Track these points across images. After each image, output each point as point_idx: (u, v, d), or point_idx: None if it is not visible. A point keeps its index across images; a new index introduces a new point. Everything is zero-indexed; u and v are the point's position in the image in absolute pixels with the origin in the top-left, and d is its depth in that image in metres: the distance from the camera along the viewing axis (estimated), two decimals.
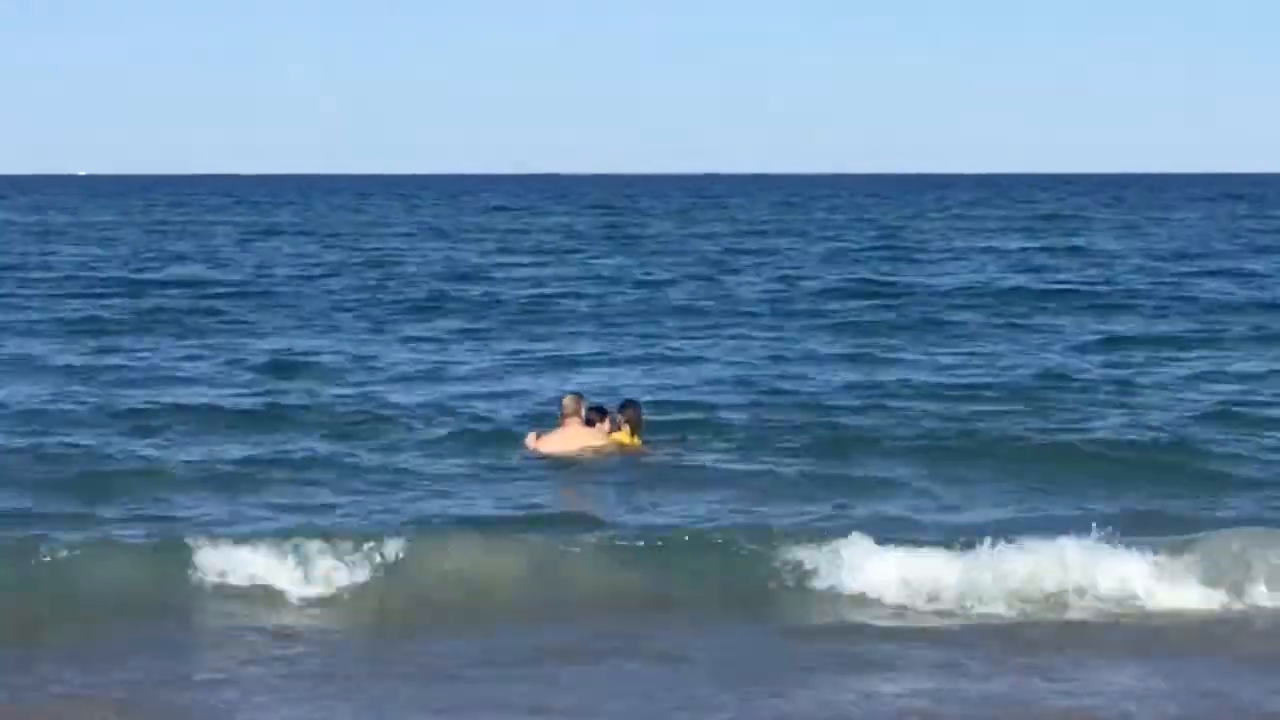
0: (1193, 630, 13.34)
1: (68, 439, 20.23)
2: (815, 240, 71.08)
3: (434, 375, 26.79)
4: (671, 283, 46.28)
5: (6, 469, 18.48)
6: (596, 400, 20.45)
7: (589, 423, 19.47)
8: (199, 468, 18.62)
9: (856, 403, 23.23)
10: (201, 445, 20.02)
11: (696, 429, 21.00)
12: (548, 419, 20.43)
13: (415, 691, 11.90)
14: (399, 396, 24.10)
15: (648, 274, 49.64)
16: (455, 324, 34.92)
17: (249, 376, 26.29)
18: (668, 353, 29.79)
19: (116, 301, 39.54)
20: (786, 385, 25.20)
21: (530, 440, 19.69)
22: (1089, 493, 17.52)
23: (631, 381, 25.68)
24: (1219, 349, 29.79)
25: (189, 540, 14.41)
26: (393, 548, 14.28)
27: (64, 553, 14.23)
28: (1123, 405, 23.00)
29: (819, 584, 14.17)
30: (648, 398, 22.23)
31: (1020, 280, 45.94)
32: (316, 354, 29.15)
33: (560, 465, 18.93)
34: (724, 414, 22.23)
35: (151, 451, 19.61)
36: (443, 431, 20.96)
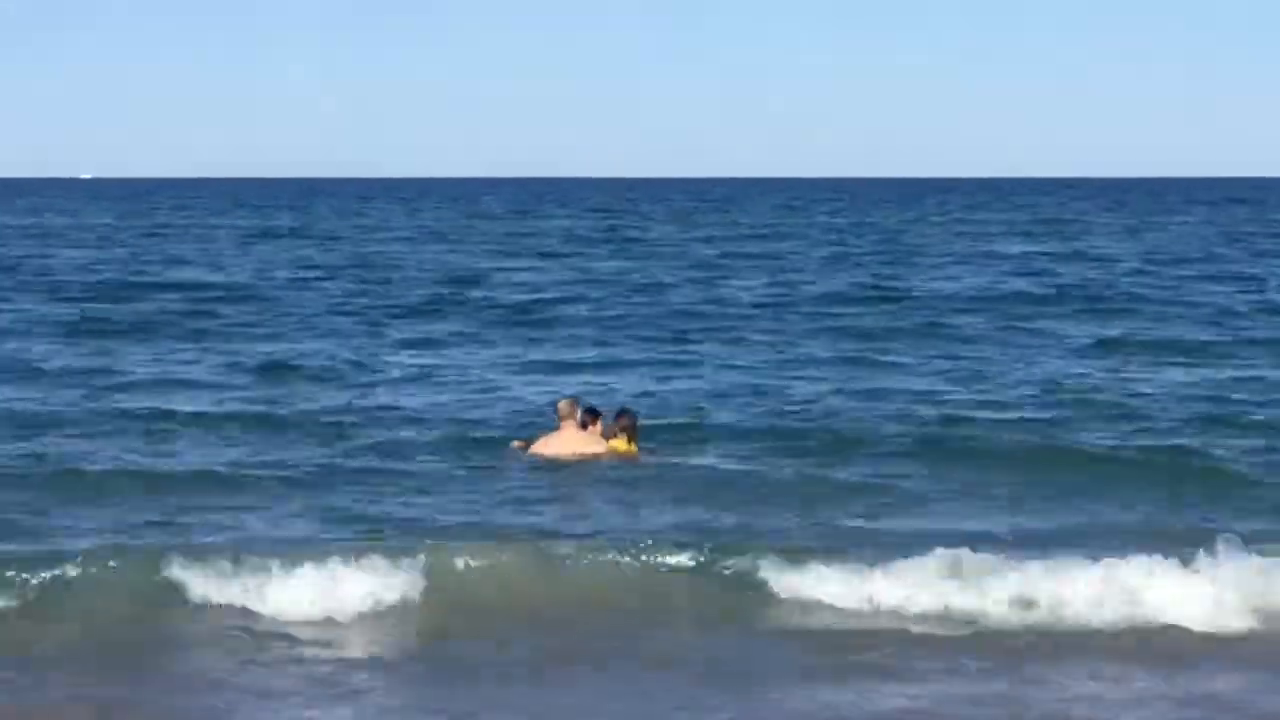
0: (1194, 641, 13.26)
1: (62, 445, 20.13)
2: (816, 244, 71.00)
3: (430, 379, 26.69)
4: (670, 286, 46.19)
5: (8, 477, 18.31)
6: (594, 404, 20.38)
7: (583, 425, 19.45)
8: (197, 475, 18.46)
9: (855, 407, 23.17)
10: (198, 451, 19.90)
11: (693, 435, 20.94)
12: (543, 424, 20.40)
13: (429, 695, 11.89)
14: (395, 400, 24.03)
15: (647, 278, 49.55)
16: (452, 327, 34.85)
17: (245, 381, 26.17)
18: (666, 357, 29.71)
19: (105, 305, 39.38)
20: (785, 390, 25.12)
21: (516, 445, 19.72)
22: (1090, 500, 17.43)
23: (628, 386, 25.62)
24: (1218, 355, 29.71)
25: (185, 555, 14.21)
26: (401, 559, 14.14)
27: (74, 568, 14.08)
28: (1122, 411, 22.91)
29: (814, 592, 14.04)
30: (645, 403, 22.16)
31: (1021, 285, 45.86)
32: (312, 357, 29.07)
33: (556, 470, 18.84)
34: (722, 419, 22.17)
35: (147, 459, 19.46)
36: (437, 436, 20.89)
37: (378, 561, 14.04)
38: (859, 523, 16.26)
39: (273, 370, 27.34)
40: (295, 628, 13.33)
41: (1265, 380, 26.08)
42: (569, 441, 19.29)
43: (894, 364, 28.44)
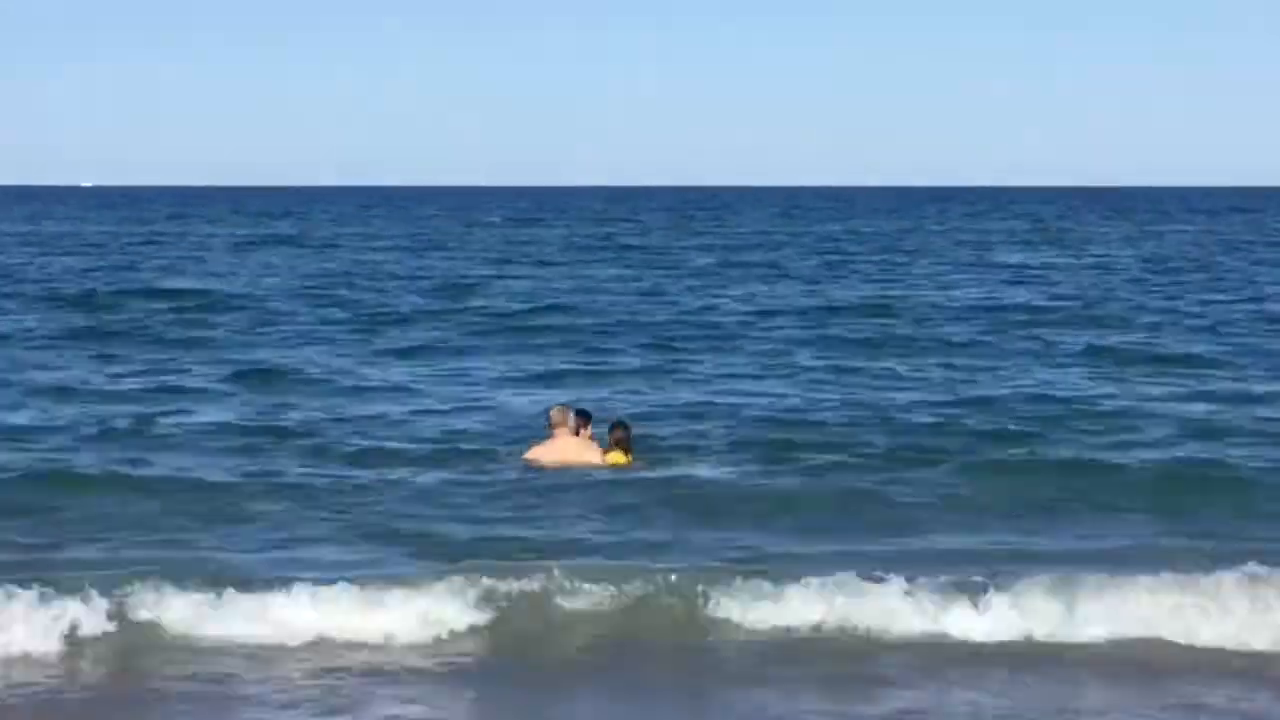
0: (1200, 656, 13.13)
1: (55, 457, 19.96)
2: (813, 252, 70.99)
3: (421, 388, 26.57)
4: (666, 294, 46.14)
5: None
6: (585, 409, 20.36)
7: (575, 431, 19.52)
8: (189, 489, 18.16)
9: (848, 417, 23.08)
10: (188, 465, 19.62)
11: (685, 445, 20.90)
12: (533, 432, 20.34)
13: None
14: (388, 410, 23.92)
15: (642, 286, 49.51)
16: (445, 336, 34.74)
17: (236, 392, 25.96)
18: (659, 366, 29.62)
19: (91, 313, 39.25)
20: (782, 401, 25.01)
21: (502, 454, 19.72)
22: (1091, 515, 17.27)
23: (620, 395, 25.55)
24: (1218, 365, 29.58)
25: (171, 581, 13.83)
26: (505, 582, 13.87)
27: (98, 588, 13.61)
28: (1120, 424, 22.78)
29: (803, 611, 13.75)
30: (637, 412, 22.02)
31: (1020, 295, 45.72)
32: (303, 368, 28.93)
33: (550, 479, 18.78)
34: (715, 429, 22.11)
35: (139, 470, 19.23)
36: (431, 446, 20.81)
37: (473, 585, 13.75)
38: (854, 541, 16.04)
39: (258, 377, 27.23)
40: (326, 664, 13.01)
41: (1254, 393, 25.87)
42: (564, 449, 19.34)
43: (889, 375, 28.30)
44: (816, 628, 13.54)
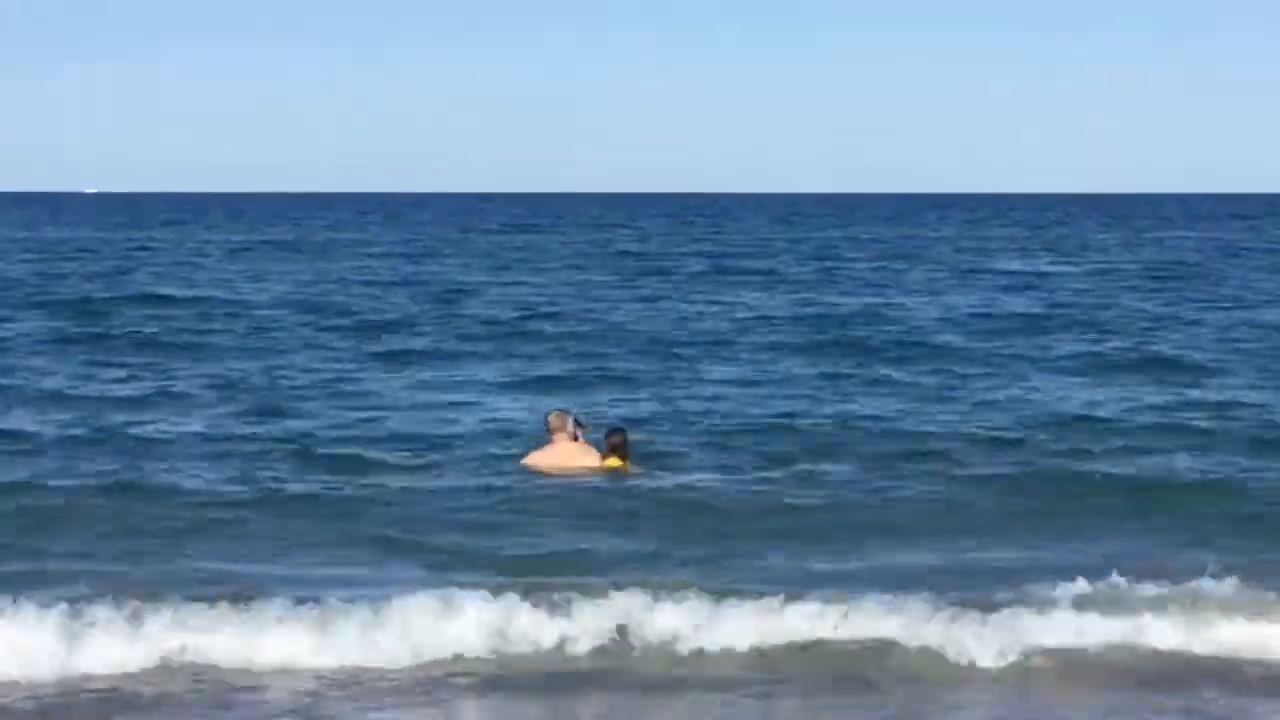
0: (1207, 668, 12.98)
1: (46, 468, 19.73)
2: (810, 259, 70.98)
3: (415, 395, 26.41)
4: (661, 300, 46.06)
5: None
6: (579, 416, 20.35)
7: (573, 437, 19.63)
8: (190, 502, 17.88)
9: (841, 427, 22.91)
10: (187, 476, 19.31)
11: (679, 452, 20.86)
12: (529, 437, 20.35)
13: None
14: (382, 418, 23.77)
15: (640, 292, 49.41)
16: (439, 343, 34.59)
17: (227, 402, 25.68)
18: (654, 372, 29.49)
19: (84, 319, 39.02)
20: (778, 409, 24.83)
21: (500, 459, 19.87)
22: (1086, 524, 17.12)
23: (616, 401, 25.48)
24: (1217, 372, 29.43)
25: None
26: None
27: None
28: (1116, 432, 22.61)
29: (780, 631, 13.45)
30: (632, 419, 21.97)
31: (1017, 303, 45.58)
32: (297, 376, 28.76)
33: (551, 484, 18.77)
34: (716, 437, 22.09)
35: (134, 476, 19.05)
36: (426, 455, 20.65)
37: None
38: (850, 559, 15.82)
39: (256, 383, 27.11)
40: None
41: (1251, 401, 25.68)
42: (563, 454, 19.48)
43: (889, 381, 28.19)
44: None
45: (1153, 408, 25.05)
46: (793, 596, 13.60)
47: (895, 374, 29.29)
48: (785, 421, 23.40)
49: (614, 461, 19.52)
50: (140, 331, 36.24)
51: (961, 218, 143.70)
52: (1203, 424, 23.22)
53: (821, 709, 12.25)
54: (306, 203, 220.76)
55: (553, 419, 19.83)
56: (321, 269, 61.65)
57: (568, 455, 19.49)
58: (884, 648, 13.18)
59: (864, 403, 25.56)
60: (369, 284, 53.17)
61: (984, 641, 13.07)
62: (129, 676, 12.46)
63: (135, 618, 12.87)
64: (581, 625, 13.18)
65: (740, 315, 41.64)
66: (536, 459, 19.59)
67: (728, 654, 13.09)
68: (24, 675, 12.33)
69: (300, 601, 13.33)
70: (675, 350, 33.22)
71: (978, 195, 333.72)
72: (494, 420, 23.62)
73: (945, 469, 19.77)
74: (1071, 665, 12.96)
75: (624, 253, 76.21)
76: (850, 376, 28.82)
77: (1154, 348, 33.87)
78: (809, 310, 43.33)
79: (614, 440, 19.72)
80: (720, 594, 13.58)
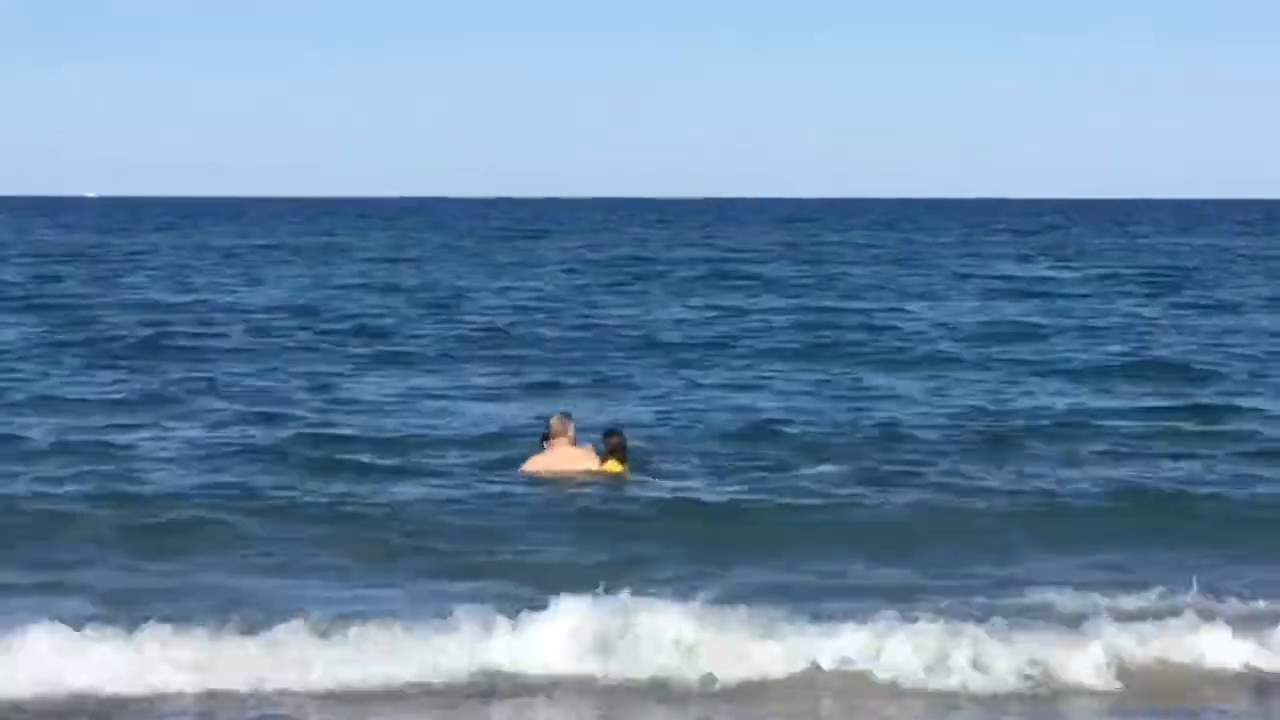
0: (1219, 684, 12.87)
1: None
2: (809, 264, 70.97)
3: (409, 401, 26.36)
4: (656, 305, 46.01)
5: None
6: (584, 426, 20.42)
7: (573, 440, 19.67)
8: (184, 508, 17.74)
9: (839, 433, 22.88)
10: (187, 483, 19.20)
11: (674, 457, 20.82)
12: (530, 441, 20.30)
13: None
14: (379, 425, 23.67)
15: (638, 298, 49.32)
16: (433, 348, 34.45)
17: (220, 408, 25.54)
18: (650, 376, 29.41)
19: (77, 325, 38.89)
20: (776, 416, 24.71)
21: (499, 464, 19.92)
22: (1082, 534, 17.01)
23: (618, 403, 25.52)
24: (1216, 379, 29.31)
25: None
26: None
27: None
28: (1113, 439, 22.52)
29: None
30: (625, 422, 21.92)
31: (1014, 310, 45.53)
32: (293, 381, 28.66)
33: (550, 490, 18.79)
34: (709, 441, 22.11)
35: (132, 488, 18.88)
36: (424, 460, 20.61)
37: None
38: (848, 571, 15.73)
39: (253, 387, 27.02)
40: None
41: (1250, 408, 25.59)
42: (563, 458, 19.51)
43: (886, 387, 28.13)
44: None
45: (1150, 410, 25.07)
46: (789, 609, 13.48)
47: (892, 380, 29.24)
48: (777, 427, 23.32)
49: (613, 465, 19.53)
50: (135, 336, 36.17)
51: (960, 222, 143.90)
52: (1199, 429, 23.21)
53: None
54: (308, 207, 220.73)
55: (555, 423, 19.83)
56: (320, 274, 61.64)
57: (567, 459, 19.53)
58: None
59: (861, 408, 25.48)
60: (366, 289, 53.15)
61: (991, 658, 12.82)
62: (126, 688, 12.25)
63: (131, 629, 12.70)
64: (575, 633, 12.97)
65: (738, 319, 41.62)
66: (536, 464, 19.60)
67: (725, 665, 12.95)
68: (18, 689, 12.12)
69: (298, 612, 13.15)
70: (676, 354, 33.17)
71: (977, 200, 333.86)
72: (490, 424, 23.54)
73: (942, 476, 19.70)
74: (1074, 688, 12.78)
75: (623, 257, 76.19)
76: (846, 382, 28.79)
77: (1152, 352, 33.88)
78: (807, 317, 43.28)
79: (613, 442, 19.72)
80: (714, 603, 13.45)
